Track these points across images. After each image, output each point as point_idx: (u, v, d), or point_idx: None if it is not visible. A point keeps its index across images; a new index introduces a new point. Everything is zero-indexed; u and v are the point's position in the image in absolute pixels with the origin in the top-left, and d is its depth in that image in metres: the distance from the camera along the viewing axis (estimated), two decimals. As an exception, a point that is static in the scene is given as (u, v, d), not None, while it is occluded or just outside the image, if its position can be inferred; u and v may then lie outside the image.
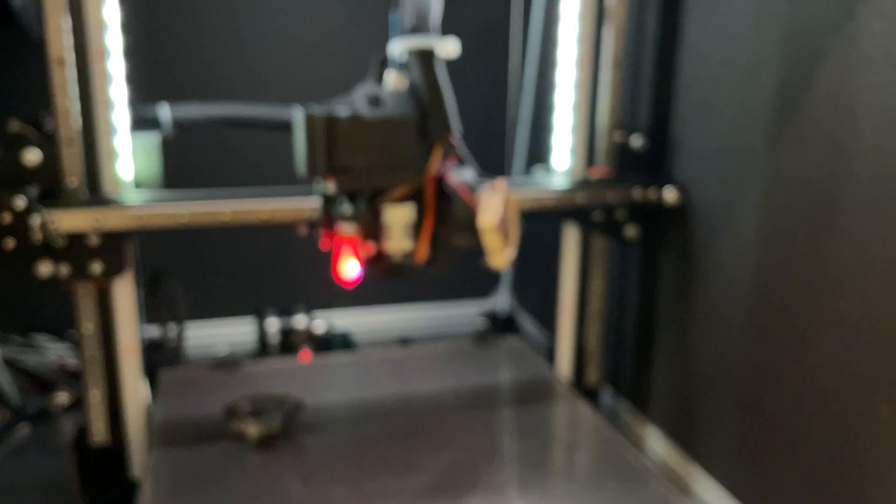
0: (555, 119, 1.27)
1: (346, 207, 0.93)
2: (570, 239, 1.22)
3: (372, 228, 0.89)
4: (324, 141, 0.86)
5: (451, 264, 0.93)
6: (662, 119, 1.14)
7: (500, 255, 0.90)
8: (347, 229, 0.94)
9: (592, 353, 1.27)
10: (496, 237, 0.88)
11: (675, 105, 1.12)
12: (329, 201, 0.95)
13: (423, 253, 0.90)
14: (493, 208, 0.86)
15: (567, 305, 1.25)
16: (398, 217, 0.88)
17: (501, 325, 1.67)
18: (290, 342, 1.57)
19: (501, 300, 1.77)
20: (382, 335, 1.66)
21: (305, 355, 1.50)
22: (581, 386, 1.27)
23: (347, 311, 1.67)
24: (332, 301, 1.63)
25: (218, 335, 1.63)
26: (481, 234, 0.84)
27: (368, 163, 0.85)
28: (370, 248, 0.90)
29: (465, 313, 1.82)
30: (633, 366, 1.26)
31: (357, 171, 0.85)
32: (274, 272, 1.69)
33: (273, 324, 1.54)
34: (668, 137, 1.13)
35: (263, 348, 1.55)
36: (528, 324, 1.72)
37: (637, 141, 1.19)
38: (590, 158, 1.22)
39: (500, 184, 0.95)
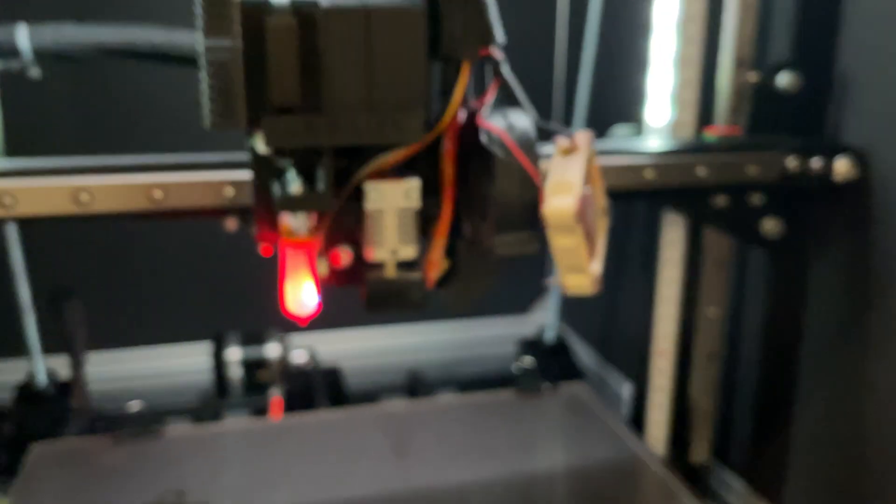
0: (651, 49, 0.82)
1: (294, 182, 0.49)
2: (674, 237, 0.81)
3: (342, 223, 0.52)
4: (243, 53, 0.45)
5: (485, 287, 0.56)
6: (821, 47, 0.75)
7: (582, 272, 0.51)
8: (296, 225, 0.50)
9: (702, 414, 0.83)
10: (576, 238, 0.49)
11: (846, 23, 0.73)
12: (264, 170, 0.51)
13: (436, 266, 0.54)
14: (572, 184, 0.49)
15: (666, 342, 0.81)
16: (391, 200, 0.50)
17: (547, 358, 1.22)
18: (258, 379, 1.16)
19: (547, 319, 1.31)
20: (383, 367, 1.28)
21: (276, 406, 1.09)
22: (683, 463, 0.84)
23: (335, 334, 1.32)
24: (315, 321, 1.18)
25: (161, 369, 1.27)
26: (549, 232, 0.49)
27: (332, 96, 0.46)
28: (341, 256, 0.53)
29: (495, 336, 1.40)
30: (758, 432, 0.90)
31: (310, 114, 0.46)
32: (237, 283, 1.30)
33: (235, 354, 1.16)
34: (831, 76, 0.75)
35: (222, 387, 1.16)
36: (586, 357, 1.26)
37: (784, 80, 0.74)
38: (706, 112, 0.79)
39: (583, 138, 0.54)
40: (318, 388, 1.18)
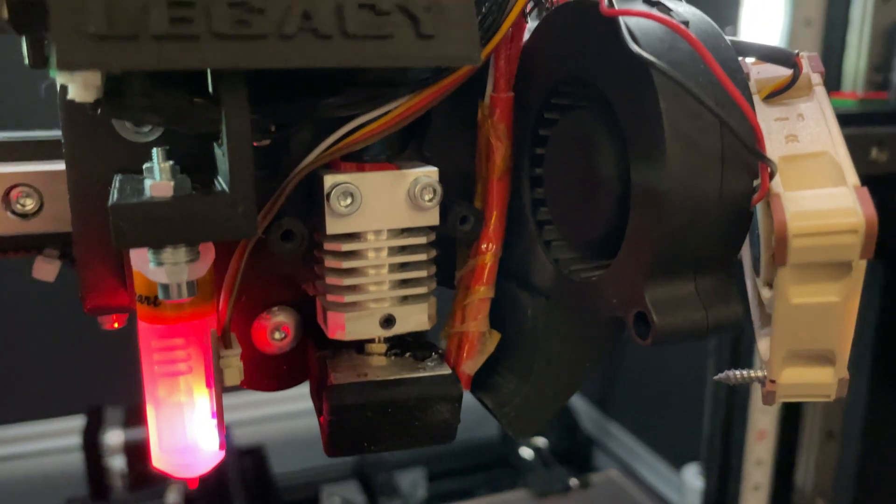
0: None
1: (162, 175, 0.18)
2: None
3: (271, 264, 0.27)
4: None
5: (574, 386, 0.30)
6: None
7: (829, 360, 0.24)
8: (170, 279, 0.23)
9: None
10: (849, 285, 0.22)
11: None
12: (84, 149, 0.22)
13: (474, 345, 0.29)
14: (834, 167, 0.23)
15: (766, 418, 0.54)
16: (379, 211, 0.26)
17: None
18: (146, 474, 0.91)
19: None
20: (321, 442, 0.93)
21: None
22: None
23: (255, 396, 0.95)
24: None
25: (12, 455, 1.01)
26: (783, 275, 0.23)
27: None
28: (269, 333, 0.29)
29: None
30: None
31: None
32: (118, 339, 0.96)
33: (116, 438, 0.93)
34: None
35: (98, 485, 0.92)
36: (581, 410, 0.99)
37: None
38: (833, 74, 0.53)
39: (814, 64, 0.27)
40: (233, 482, 0.87)
